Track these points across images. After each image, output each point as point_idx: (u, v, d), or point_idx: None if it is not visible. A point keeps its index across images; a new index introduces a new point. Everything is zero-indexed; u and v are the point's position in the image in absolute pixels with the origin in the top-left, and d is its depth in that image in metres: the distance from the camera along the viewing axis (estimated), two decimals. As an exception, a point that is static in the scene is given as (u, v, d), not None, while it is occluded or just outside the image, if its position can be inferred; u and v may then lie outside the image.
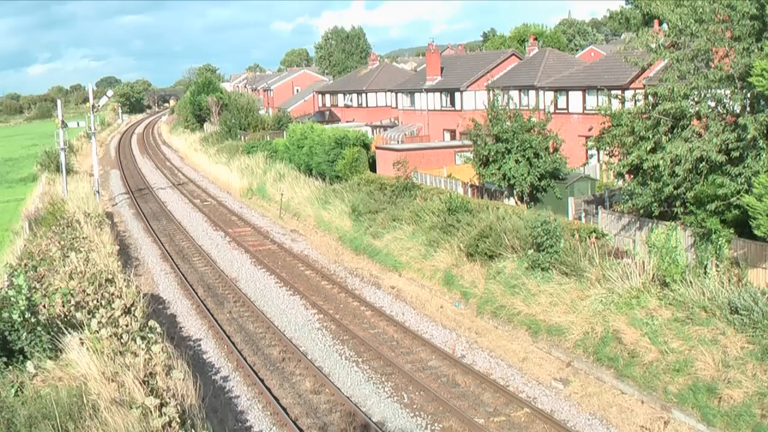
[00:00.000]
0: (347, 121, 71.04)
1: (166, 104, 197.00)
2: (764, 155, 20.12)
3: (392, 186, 36.17)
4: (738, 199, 20.21)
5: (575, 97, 44.57)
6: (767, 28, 21.19)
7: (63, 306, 17.60)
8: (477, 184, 34.01)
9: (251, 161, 53.89)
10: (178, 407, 12.97)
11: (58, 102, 50.88)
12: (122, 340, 15.98)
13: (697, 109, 22.13)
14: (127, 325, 16.84)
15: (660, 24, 29.27)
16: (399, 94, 65.07)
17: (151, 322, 17.82)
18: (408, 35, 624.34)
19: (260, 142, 60.75)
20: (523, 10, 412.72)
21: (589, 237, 23.81)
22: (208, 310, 25.33)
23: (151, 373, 14.56)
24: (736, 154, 21.03)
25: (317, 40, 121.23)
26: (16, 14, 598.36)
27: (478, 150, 31.63)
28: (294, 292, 27.15)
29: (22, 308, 15.13)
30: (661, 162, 21.94)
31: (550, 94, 46.04)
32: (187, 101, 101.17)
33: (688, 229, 22.18)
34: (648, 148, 22.97)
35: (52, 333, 15.60)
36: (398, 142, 53.22)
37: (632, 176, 24.76)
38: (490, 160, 31.16)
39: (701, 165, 21.55)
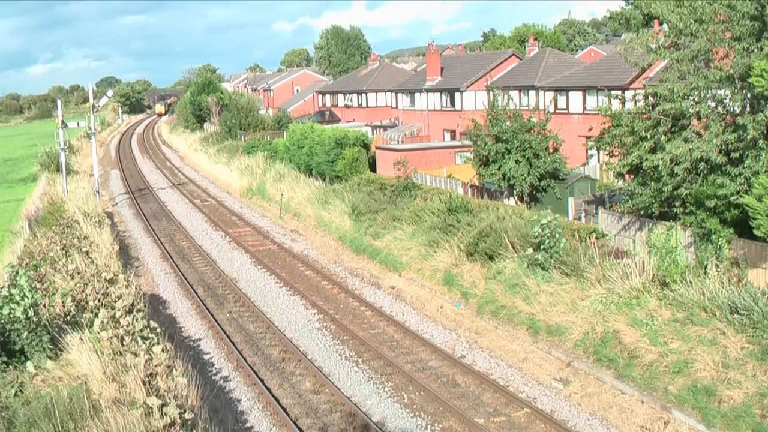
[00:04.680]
0: (347, 121, 71.06)
1: (160, 106, 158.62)
2: (764, 155, 20.14)
3: (392, 186, 36.17)
4: (738, 198, 20.23)
5: (575, 97, 44.59)
6: (767, 28, 21.20)
7: (63, 306, 17.60)
8: (477, 184, 34.03)
9: (251, 161, 53.90)
10: (179, 408, 12.97)
11: (58, 102, 50.86)
12: (123, 341, 15.98)
13: (697, 109, 22.14)
14: (127, 326, 16.83)
15: (660, 24, 29.29)
16: (399, 94, 65.08)
17: (152, 323, 17.83)
18: (408, 35, 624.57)
19: (260, 142, 60.77)
20: (523, 10, 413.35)
21: (589, 237, 23.83)
22: (208, 310, 25.33)
23: (152, 374, 14.56)
24: (736, 154, 21.04)
25: (317, 40, 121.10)
26: (19, 14, 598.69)
27: (478, 150, 31.66)
28: (294, 292, 27.16)
29: (26, 307, 15.13)
30: (660, 162, 21.96)
31: (550, 94, 46.05)
32: (187, 101, 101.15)
33: (688, 229, 22.20)
34: (648, 148, 23.00)
35: (52, 333, 15.61)
36: (398, 142, 53.24)
37: (632, 176, 24.79)
38: (490, 160, 31.18)
39: (701, 165, 21.58)
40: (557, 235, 22.75)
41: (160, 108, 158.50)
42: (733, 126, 21.49)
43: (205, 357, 21.26)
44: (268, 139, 62.53)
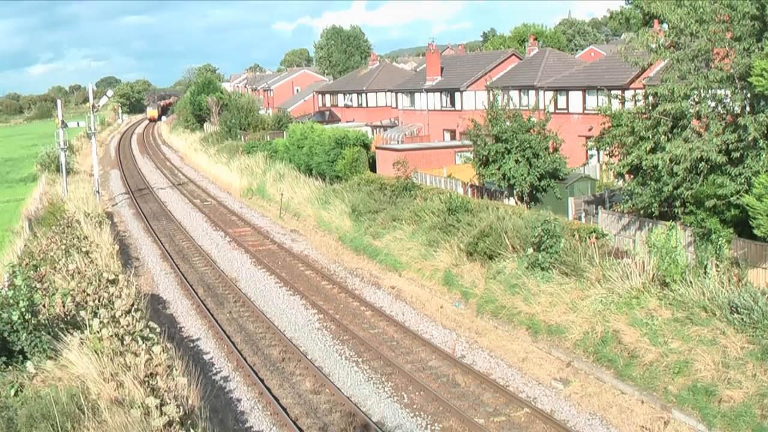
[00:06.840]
0: (347, 121, 71.03)
1: (152, 109, 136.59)
2: (764, 155, 20.13)
3: (392, 186, 36.16)
4: (738, 198, 20.22)
5: (575, 97, 44.57)
6: (767, 28, 21.20)
7: (63, 306, 17.58)
8: (477, 184, 34.02)
9: (251, 161, 53.90)
10: (179, 408, 12.96)
11: (58, 102, 50.83)
12: (123, 341, 15.97)
13: (697, 109, 22.14)
14: (127, 326, 16.82)
15: (660, 24, 29.28)
16: (399, 94, 65.06)
17: (152, 323, 17.81)
18: (408, 35, 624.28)
19: (260, 142, 60.76)
20: (523, 10, 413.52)
21: (589, 237, 23.81)
22: (208, 310, 25.33)
23: (151, 374, 14.55)
24: (736, 154, 21.03)
25: (317, 40, 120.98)
26: (20, 14, 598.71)
27: (478, 150, 31.65)
28: (294, 292, 27.15)
29: (22, 309, 15.11)
30: (660, 162, 21.95)
31: (549, 94, 46.04)
32: (187, 101, 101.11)
33: (688, 229, 22.19)
34: (648, 148, 22.98)
35: (52, 333, 15.59)
36: (398, 142, 53.21)
37: (632, 176, 24.78)
38: (490, 160, 31.17)
39: (701, 165, 21.56)
40: (557, 235, 22.74)
41: (152, 111, 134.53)
42: (733, 126, 21.48)
43: (205, 357, 21.25)
44: (268, 139, 62.51)
